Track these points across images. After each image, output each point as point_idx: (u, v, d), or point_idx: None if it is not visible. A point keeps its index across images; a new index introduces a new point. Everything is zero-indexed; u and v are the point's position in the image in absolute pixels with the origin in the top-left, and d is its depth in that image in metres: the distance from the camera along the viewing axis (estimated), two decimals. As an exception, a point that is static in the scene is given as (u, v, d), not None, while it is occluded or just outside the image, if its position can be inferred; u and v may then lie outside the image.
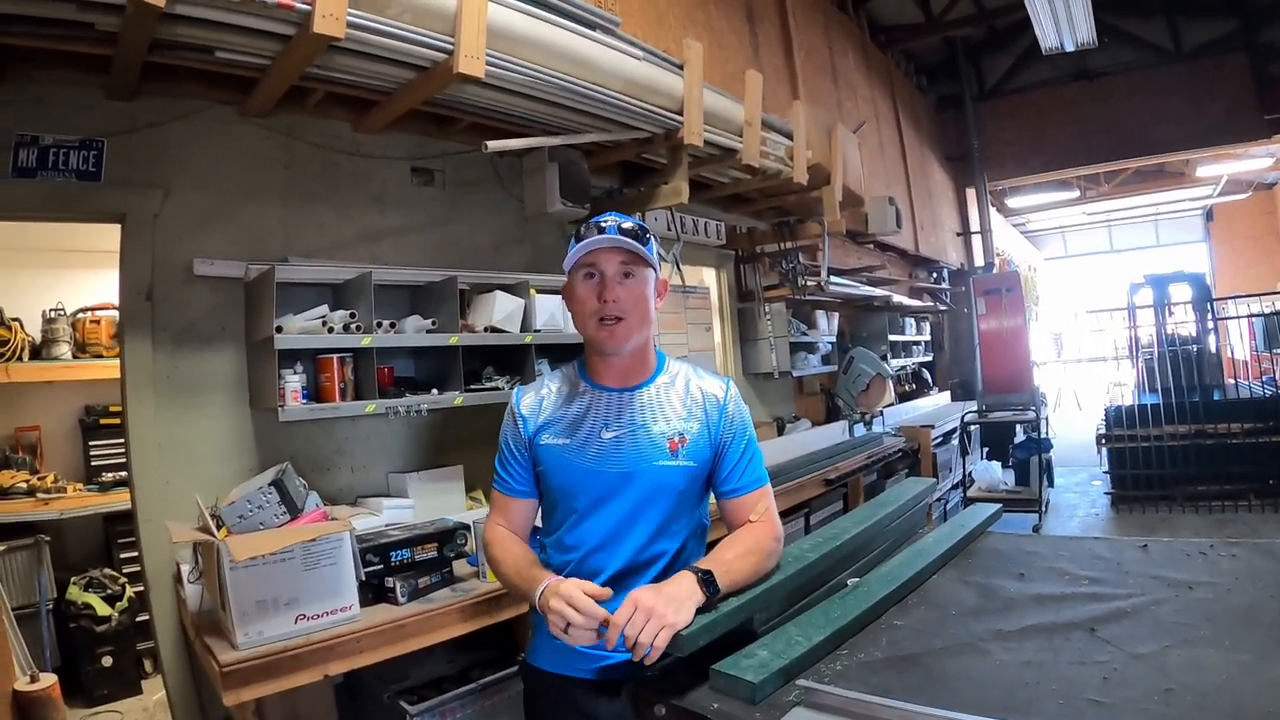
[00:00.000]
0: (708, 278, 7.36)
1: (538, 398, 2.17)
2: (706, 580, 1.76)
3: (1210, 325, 10.10)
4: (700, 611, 1.72)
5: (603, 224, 2.01)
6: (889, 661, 1.67)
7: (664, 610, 1.66)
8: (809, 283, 7.31)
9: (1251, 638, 1.64)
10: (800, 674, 1.62)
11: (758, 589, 1.86)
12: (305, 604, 2.83)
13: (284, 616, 2.78)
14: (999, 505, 2.92)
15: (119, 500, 4.96)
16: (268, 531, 2.89)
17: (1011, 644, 1.70)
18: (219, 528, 2.88)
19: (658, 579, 2.02)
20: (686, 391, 2.15)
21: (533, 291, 4.44)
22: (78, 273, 6.02)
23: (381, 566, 3.15)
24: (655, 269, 2.09)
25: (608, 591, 1.78)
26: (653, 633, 1.63)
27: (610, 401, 2.11)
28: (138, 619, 5.17)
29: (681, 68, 4.29)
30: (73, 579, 5.30)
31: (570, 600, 1.74)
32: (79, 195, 3.38)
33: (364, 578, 3.03)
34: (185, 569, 3.26)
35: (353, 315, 3.70)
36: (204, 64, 3.22)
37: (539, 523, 2.23)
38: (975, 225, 13.87)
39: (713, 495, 2.17)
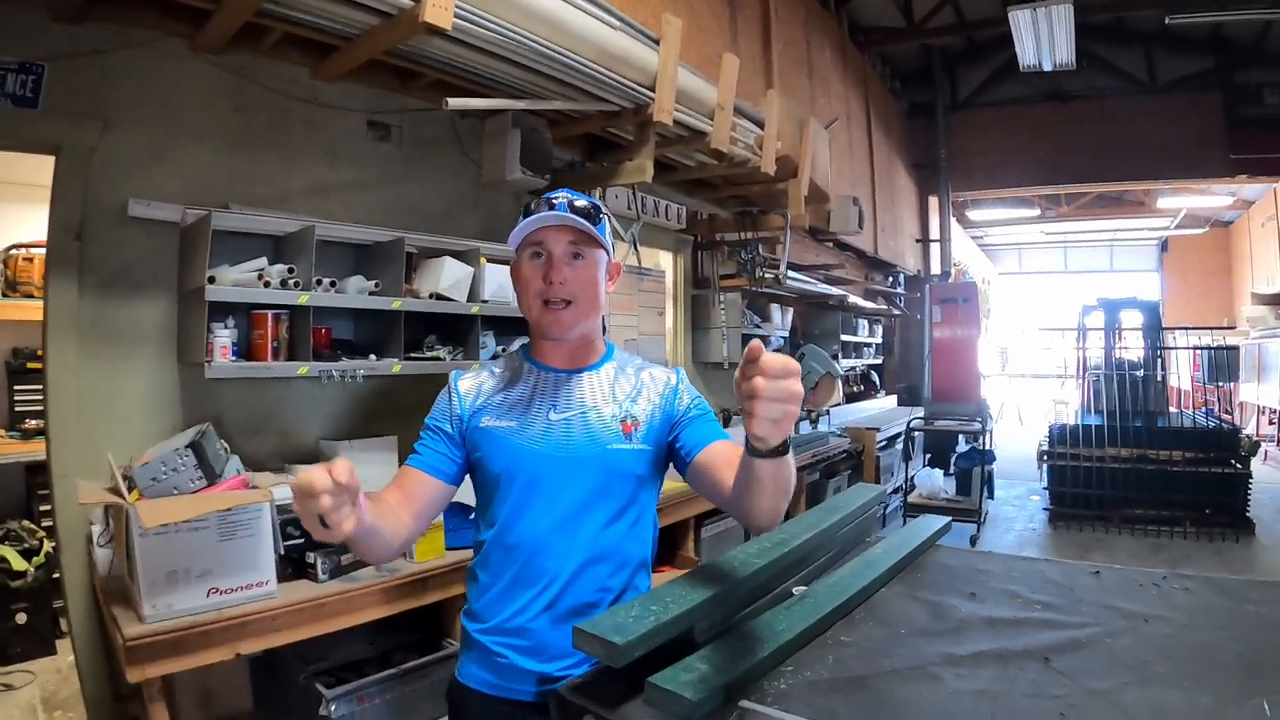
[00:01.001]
0: (664, 261, 7.25)
1: (477, 380, 2.01)
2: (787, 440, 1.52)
3: (1159, 353, 10.21)
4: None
5: (553, 200, 1.87)
6: (836, 683, 1.56)
7: (799, 401, 1.38)
8: (766, 275, 7.25)
9: (1210, 679, 1.56)
10: (742, 692, 1.50)
11: (700, 597, 1.72)
12: (219, 577, 2.69)
13: (195, 589, 2.64)
14: (949, 518, 2.84)
15: (41, 449, 4.74)
16: (181, 497, 2.73)
17: (964, 670, 1.60)
18: (130, 490, 2.71)
19: (613, 579, 1.90)
20: (637, 376, 2.03)
21: (483, 260, 4.29)
22: (13, 206, 5.78)
23: (303, 540, 3.00)
24: (608, 250, 1.96)
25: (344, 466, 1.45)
26: (784, 412, 1.36)
27: (558, 382, 1.97)
28: (55, 575, 4.93)
29: (658, 43, 4.17)
30: (-11, 529, 5.08)
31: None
32: (13, 122, 3.16)
33: (283, 551, 2.90)
34: (96, 530, 3.10)
35: (291, 270, 3.53)
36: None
37: (476, 522, 2.04)
38: (935, 233, 13.91)
39: (676, 469, 2.00)
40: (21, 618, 4.92)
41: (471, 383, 2.00)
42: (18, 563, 4.94)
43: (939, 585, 2.14)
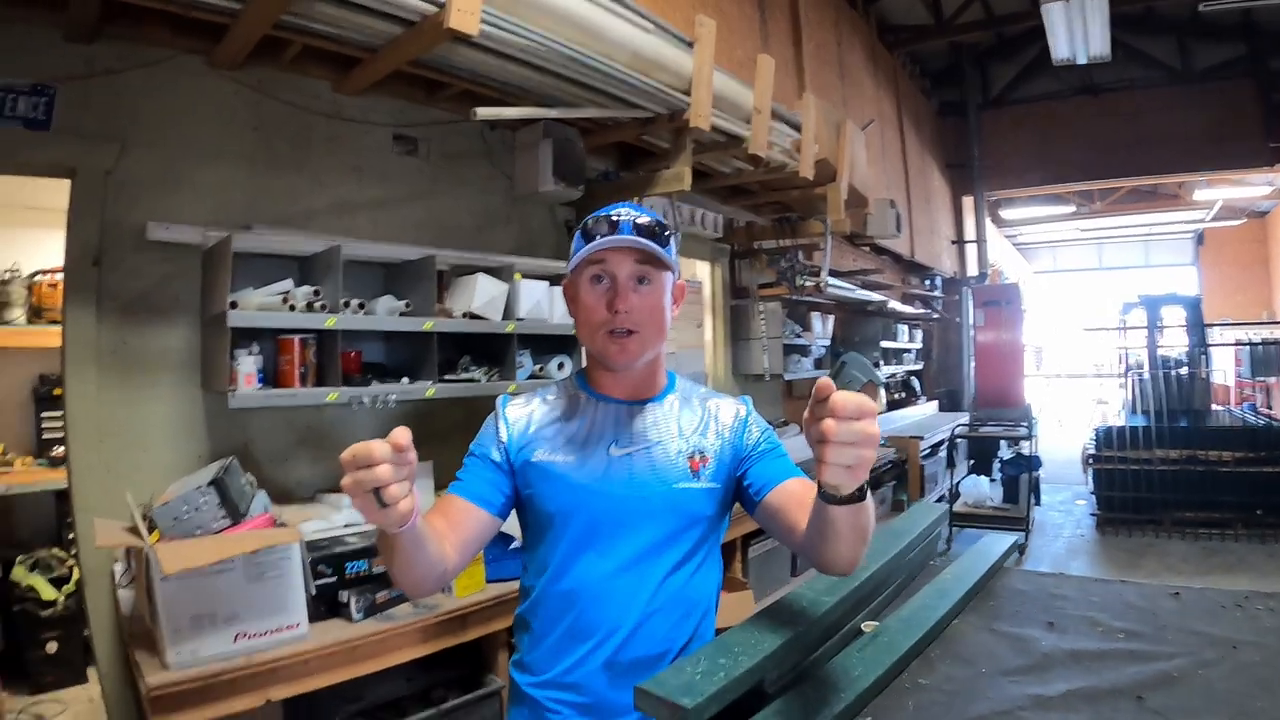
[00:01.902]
0: (702, 272, 7.16)
1: (528, 408, 1.85)
2: (863, 487, 1.36)
3: (1202, 349, 10.02)
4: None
5: (615, 217, 1.69)
6: (920, 733, 1.45)
7: (877, 444, 1.24)
8: (806, 283, 7.10)
9: (1316, 714, 1.47)
10: (820, 751, 1.38)
11: (769, 644, 1.58)
12: (246, 621, 2.57)
13: (222, 634, 2.52)
14: (1016, 537, 2.74)
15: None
16: (204, 539, 2.60)
17: (1055, 714, 1.49)
18: (151, 530, 2.58)
19: (678, 628, 1.74)
20: (703, 408, 1.86)
21: (518, 276, 4.17)
22: (36, 231, 5.71)
23: (335, 579, 2.89)
24: (675, 271, 1.79)
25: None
26: (858, 456, 1.21)
27: (619, 414, 1.81)
28: (85, 605, 4.88)
29: (692, 46, 4.05)
30: (18, 559, 5.03)
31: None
32: (25, 145, 3.09)
33: (315, 591, 2.78)
34: (118, 568, 3.00)
35: (317, 292, 3.41)
36: (170, 6, 2.96)
37: (525, 565, 1.88)
38: (970, 234, 13.76)
39: (744, 507, 1.84)
40: (52, 647, 4.87)
41: (521, 410, 1.84)
42: (47, 592, 4.89)
43: (1015, 614, 2.05)
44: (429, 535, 1.51)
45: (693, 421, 1.83)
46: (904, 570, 2.31)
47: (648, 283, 1.72)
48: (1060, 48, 9.67)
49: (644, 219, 1.70)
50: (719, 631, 1.74)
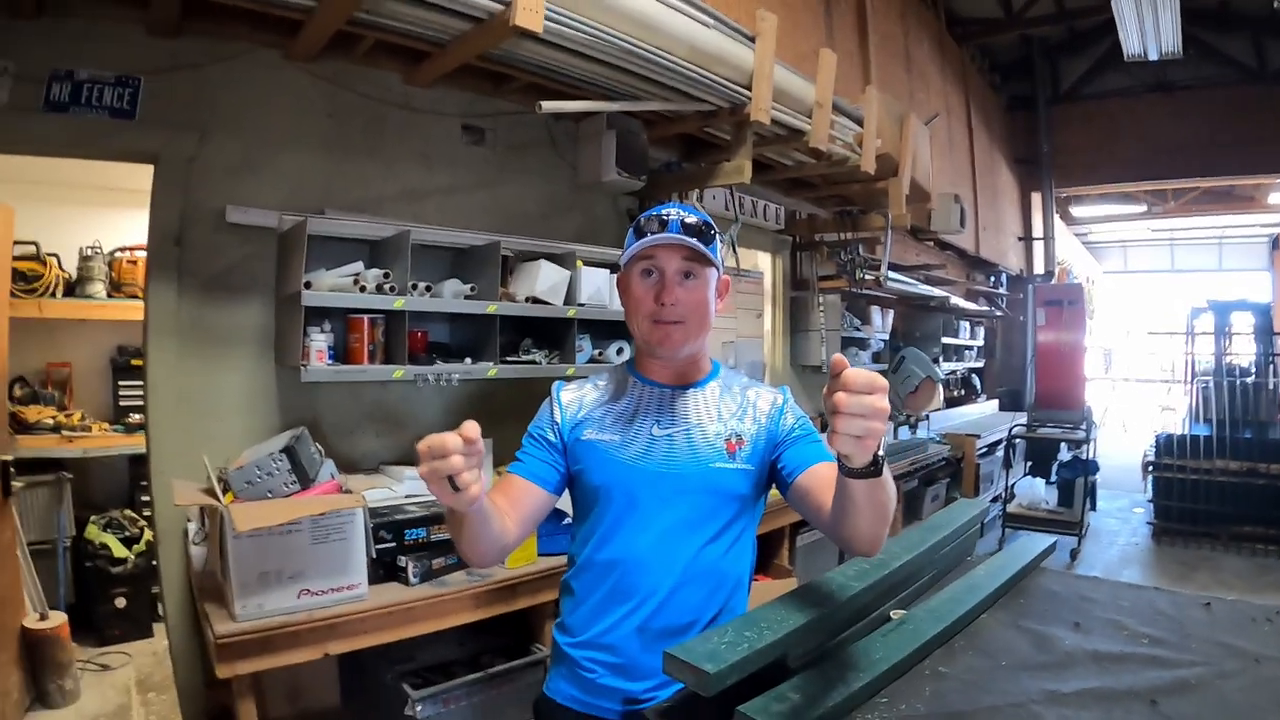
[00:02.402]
0: (763, 263, 7.16)
1: (580, 392, 1.99)
2: (878, 459, 1.44)
3: (1270, 359, 9.76)
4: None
5: (664, 216, 1.82)
6: (933, 718, 1.49)
7: (886, 418, 1.33)
8: (866, 276, 7.10)
9: (1328, 731, 1.47)
10: (834, 725, 1.44)
11: (795, 622, 1.66)
12: (310, 579, 2.72)
13: (287, 590, 2.67)
14: (1053, 539, 2.72)
15: (143, 443, 4.90)
16: (275, 501, 2.76)
17: (1067, 710, 1.52)
18: (225, 492, 2.74)
19: (710, 600, 1.85)
20: (743, 395, 1.97)
21: (580, 263, 4.27)
22: (118, 211, 5.93)
23: (395, 544, 3.03)
24: (719, 268, 1.90)
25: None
26: (867, 428, 1.29)
27: (663, 397, 1.94)
28: (154, 563, 5.07)
29: (753, 40, 4.11)
30: (92, 518, 5.29)
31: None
32: (111, 133, 3.27)
33: (375, 555, 2.92)
34: (192, 527, 3.16)
35: (386, 275, 3.56)
36: (248, 2, 3.10)
37: (572, 535, 2.02)
38: (1038, 231, 13.54)
39: (779, 489, 1.94)
40: (121, 602, 5.15)
41: (574, 394, 1.98)
42: (119, 550, 5.16)
43: (1043, 613, 2.06)
44: (493, 513, 1.65)
45: (731, 407, 1.93)
46: (938, 563, 2.33)
47: (693, 278, 1.85)
48: (1131, 42, 9.49)
49: (692, 219, 1.83)
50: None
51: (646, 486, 1.83)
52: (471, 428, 1.36)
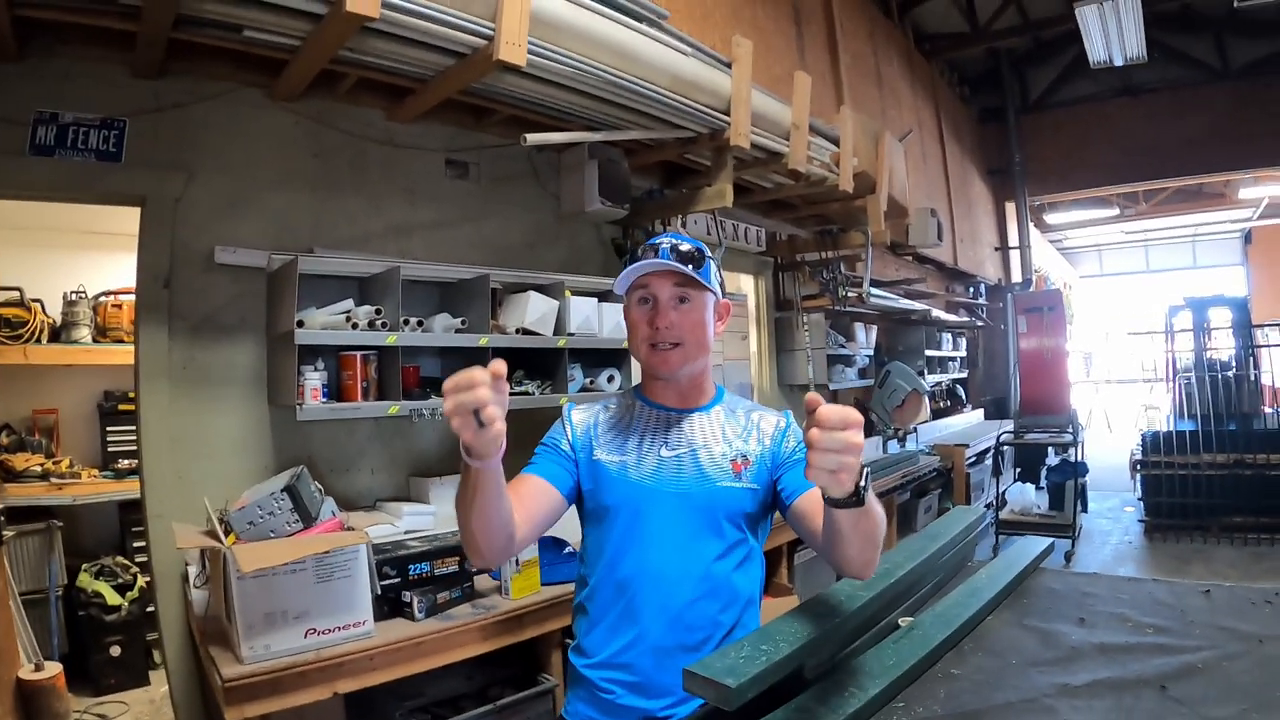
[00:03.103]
0: (746, 285, 7.22)
1: (590, 414, 2.03)
2: (865, 476, 1.47)
3: (1250, 352, 9.85)
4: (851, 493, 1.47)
5: (658, 244, 1.88)
6: (949, 719, 1.51)
7: (861, 453, 1.38)
8: (849, 294, 7.15)
9: (1335, 702, 1.50)
10: (856, 733, 1.46)
11: (809, 634, 1.68)
12: (316, 618, 2.71)
13: (293, 630, 2.66)
14: (1051, 540, 2.75)
15: (133, 488, 4.86)
16: (278, 541, 2.76)
17: (1080, 702, 1.55)
18: (227, 533, 2.74)
19: (723, 615, 1.87)
20: (748, 417, 2.01)
21: (568, 293, 4.30)
22: (101, 255, 5.94)
23: (399, 580, 3.03)
24: (715, 293, 1.95)
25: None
26: (840, 463, 1.35)
27: (669, 420, 1.97)
28: (148, 609, 5.04)
29: (729, 66, 4.16)
30: (84, 566, 5.22)
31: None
32: (98, 176, 3.28)
33: (380, 591, 2.91)
34: (192, 571, 3.14)
35: (378, 311, 3.58)
36: (232, 43, 3.13)
37: (582, 556, 2.04)
38: (1014, 240, 13.64)
39: (779, 510, 1.98)
40: (116, 650, 5.06)
41: (585, 415, 2.02)
42: (112, 598, 5.07)
43: (1046, 611, 2.09)
44: (505, 490, 1.65)
45: (737, 429, 1.97)
46: (940, 570, 2.37)
47: (688, 302, 1.90)
48: (1096, 50, 9.64)
49: (685, 246, 1.88)
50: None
51: (656, 505, 1.86)
52: (499, 364, 1.40)
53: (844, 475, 1.36)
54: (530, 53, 3.09)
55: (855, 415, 1.33)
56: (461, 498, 1.63)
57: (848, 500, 1.45)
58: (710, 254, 1.95)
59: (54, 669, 4.19)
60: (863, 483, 1.44)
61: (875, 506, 1.54)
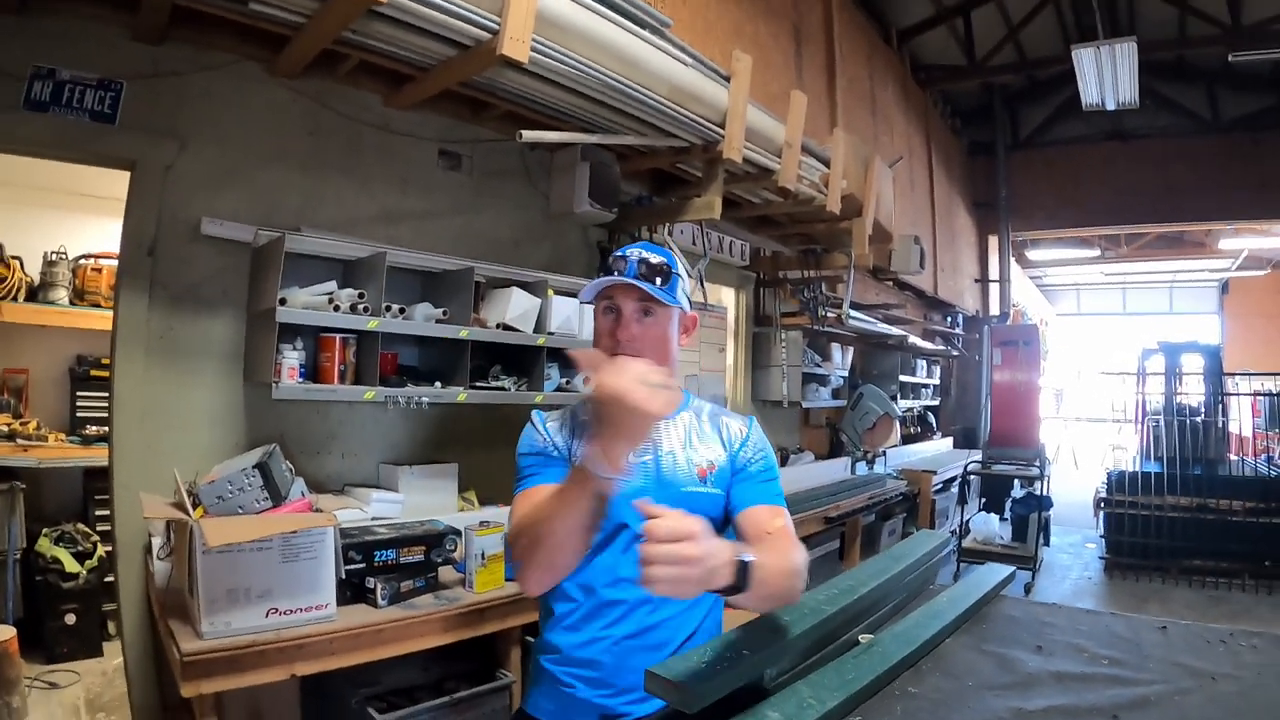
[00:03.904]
0: (727, 298, 7.26)
1: (559, 421, 2.03)
2: (741, 570, 1.51)
3: (1219, 399, 9.97)
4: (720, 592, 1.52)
5: (626, 256, 1.89)
6: (904, 736, 1.53)
7: (702, 563, 1.39)
8: (828, 314, 7.20)
9: (1281, 741, 1.53)
10: (812, 743, 1.47)
11: (771, 643, 1.70)
12: (279, 598, 2.69)
13: (255, 609, 2.65)
14: (1013, 568, 2.78)
15: (100, 455, 4.83)
16: (246, 517, 2.75)
17: None
18: (195, 506, 2.72)
19: (685, 616, 1.91)
20: (713, 423, 2.04)
21: (550, 292, 4.31)
22: (85, 217, 5.90)
23: (364, 565, 3.01)
24: (680, 307, 1.96)
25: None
26: (676, 575, 1.37)
27: None
28: (106, 579, 4.99)
29: (728, 80, 4.18)
30: (44, 531, 5.16)
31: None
32: (90, 136, 3.25)
33: (344, 576, 2.89)
34: (156, 542, 3.12)
35: (361, 295, 3.57)
36: (236, 15, 3.12)
37: None
38: (994, 273, 13.74)
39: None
40: (70, 619, 5.00)
41: (555, 423, 2.02)
42: (70, 565, 5.02)
43: (1005, 637, 2.11)
44: None
45: (702, 435, 2.00)
46: (902, 591, 2.39)
47: (651, 315, 1.91)
48: (1090, 92, 9.71)
49: (655, 259, 1.89)
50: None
51: (623, 509, 1.85)
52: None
53: (685, 587, 1.38)
54: (533, 50, 3.10)
55: (690, 526, 1.36)
56: (559, 520, 1.64)
57: (727, 590, 1.49)
58: (680, 268, 1.96)
59: (7, 633, 4.14)
60: (735, 579, 1.48)
61: (766, 577, 1.56)
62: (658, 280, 1.87)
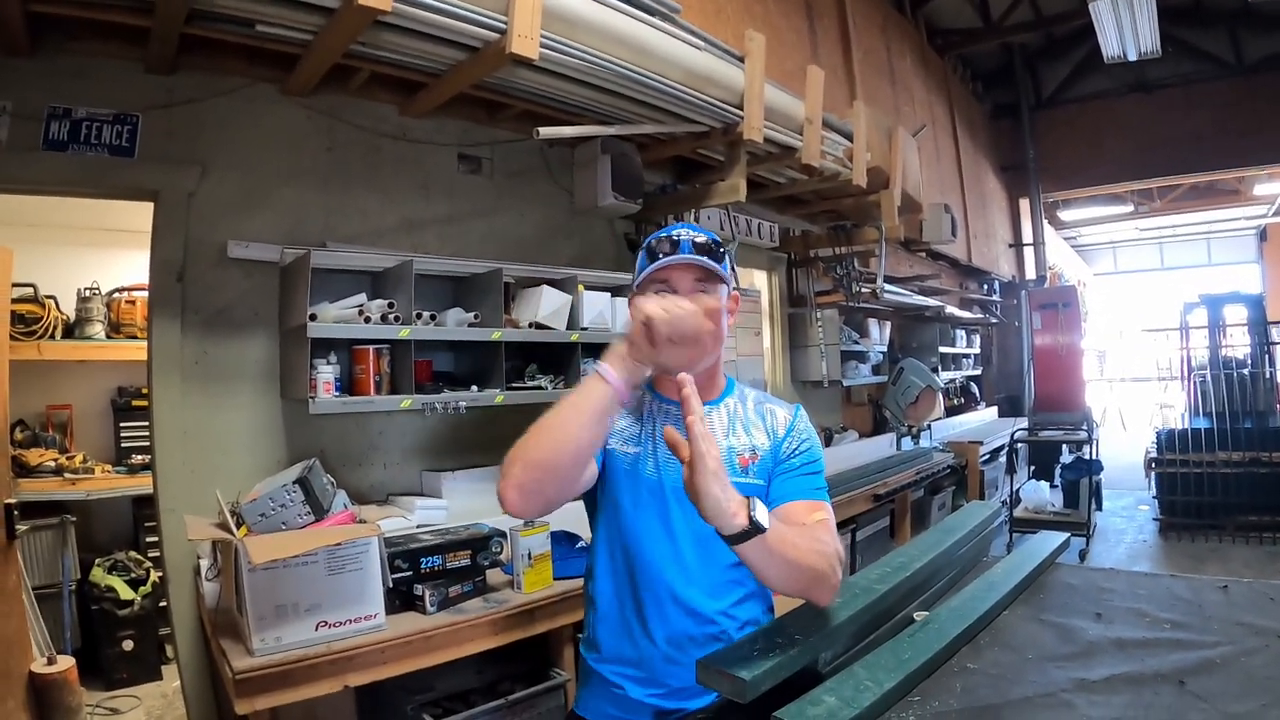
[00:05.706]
0: (759, 280, 7.20)
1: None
2: (754, 522, 1.48)
3: (1266, 349, 9.76)
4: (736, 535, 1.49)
5: (675, 237, 1.85)
6: (965, 713, 1.50)
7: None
8: (863, 289, 7.13)
9: (1354, 696, 1.49)
10: (871, 725, 1.45)
11: (824, 626, 1.67)
12: (327, 610, 2.71)
13: (304, 623, 2.66)
14: (1066, 535, 2.73)
15: (147, 483, 4.87)
16: (290, 533, 2.77)
17: (1097, 697, 1.54)
18: (239, 525, 2.74)
19: (735, 610, 1.87)
20: (758, 411, 1.98)
21: (581, 287, 4.29)
22: (115, 252, 5.96)
23: (411, 573, 3.02)
24: (729, 285, 1.93)
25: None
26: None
27: (680, 415, 1.93)
28: (160, 604, 5.06)
29: (742, 60, 4.15)
30: (97, 561, 5.24)
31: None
32: (111, 171, 3.29)
33: (391, 584, 2.90)
34: (204, 564, 3.15)
35: (391, 305, 3.58)
36: (245, 38, 3.14)
37: (593, 549, 2.01)
38: (1028, 237, 13.59)
39: None
40: (128, 645, 5.08)
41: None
42: (125, 592, 5.09)
43: (1063, 606, 2.09)
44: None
45: (746, 423, 1.95)
46: (955, 565, 2.37)
47: (707, 295, 1.86)
48: (1110, 45, 9.56)
49: (701, 238, 1.85)
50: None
51: (665, 499, 1.84)
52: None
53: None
54: (543, 46, 3.09)
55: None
56: (567, 413, 1.72)
57: (735, 536, 1.47)
58: (725, 247, 1.93)
59: (66, 663, 4.20)
60: (753, 512, 1.46)
61: (775, 545, 1.53)
62: (710, 258, 1.84)
